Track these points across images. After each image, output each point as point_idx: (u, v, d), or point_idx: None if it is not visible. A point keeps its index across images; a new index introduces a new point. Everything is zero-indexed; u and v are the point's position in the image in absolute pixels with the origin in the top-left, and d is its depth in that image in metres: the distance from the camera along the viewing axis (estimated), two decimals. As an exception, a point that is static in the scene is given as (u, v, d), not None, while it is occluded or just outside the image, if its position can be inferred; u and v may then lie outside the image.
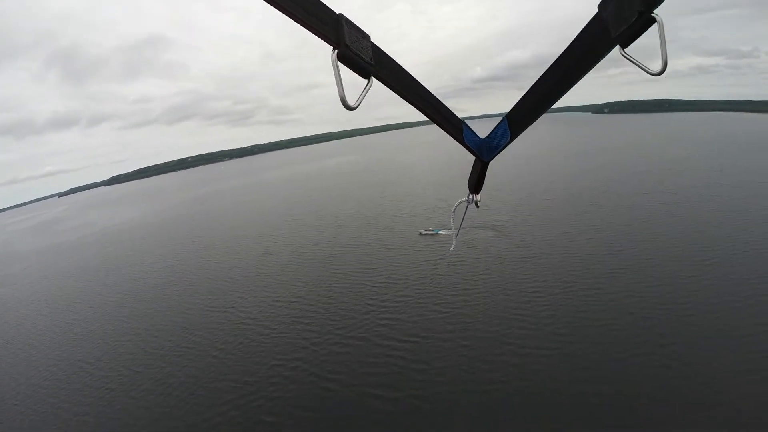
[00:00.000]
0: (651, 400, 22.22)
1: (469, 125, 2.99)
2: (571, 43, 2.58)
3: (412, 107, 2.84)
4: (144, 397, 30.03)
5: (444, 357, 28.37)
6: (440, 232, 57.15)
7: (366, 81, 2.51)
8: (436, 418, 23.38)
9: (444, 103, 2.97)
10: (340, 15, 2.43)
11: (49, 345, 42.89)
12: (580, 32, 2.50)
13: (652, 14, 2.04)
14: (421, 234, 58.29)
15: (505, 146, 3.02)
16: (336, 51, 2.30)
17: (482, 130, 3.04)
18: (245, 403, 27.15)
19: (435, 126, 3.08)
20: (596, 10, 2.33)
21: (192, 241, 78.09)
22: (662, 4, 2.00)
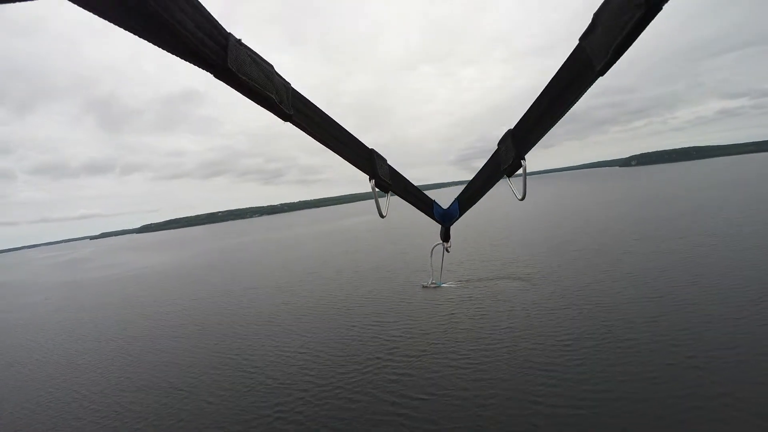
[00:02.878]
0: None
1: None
2: (483, 167, 3.66)
3: (406, 202, 4.05)
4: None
5: (460, 418, 24.65)
6: (443, 285, 54.88)
7: (387, 194, 3.55)
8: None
9: (424, 191, 4.24)
10: (372, 150, 3.25)
11: (53, 373, 41.68)
12: (488, 161, 3.54)
13: (521, 160, 2.86)
14: (423, 287, 56.23)
15: (458, 217, 4.35)
16: (373, 180, 3.11)
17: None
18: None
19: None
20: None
21: (210, 288, 77.13)
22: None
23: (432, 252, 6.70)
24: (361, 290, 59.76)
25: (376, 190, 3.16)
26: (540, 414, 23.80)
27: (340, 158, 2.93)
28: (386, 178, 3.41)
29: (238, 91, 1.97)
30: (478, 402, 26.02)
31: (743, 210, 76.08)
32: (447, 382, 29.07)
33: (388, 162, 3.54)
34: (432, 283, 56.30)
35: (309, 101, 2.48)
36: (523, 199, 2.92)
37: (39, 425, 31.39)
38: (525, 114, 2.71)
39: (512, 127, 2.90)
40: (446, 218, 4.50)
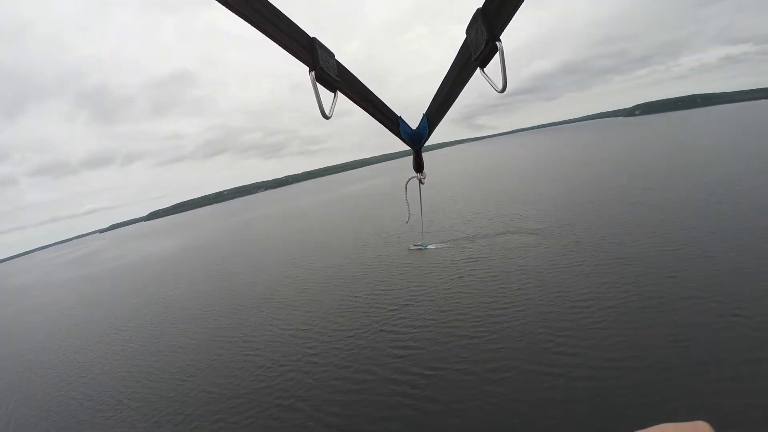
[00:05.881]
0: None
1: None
2: (451, 65, 3.17)
3: (363, 111, 3.56)
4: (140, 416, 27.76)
5: (468, 394, 23.21)
6: (428, 247, 53.78)
7: (333, 94, 3.04)
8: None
9: (385, 102, 3.67)
10: (314, 38, 2.85)
11: (71, 371, 41.33)
12: (456, 55, 3.06)
13: (496, 42, 2.48)
14: (410, 249, 55.45)
15: (428, 137, 3.91)
16: (313, 72, 2.75)
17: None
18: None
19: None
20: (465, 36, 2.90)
21: (216, 268, 77.18)
22: (506, 32, 2.49)
23: (406, 187, 5.71)
24: (364, 257, 58.93)
25: (318, 85, 2.77)
26: (557, 386, 22.02)
27: (278, 46, 2.64)
28: (332, 74, 2.96)
29: None
30: (488, 374, 24.40)
31: (757, 156, 71.58)
32: (451, 353, 27.53)
33: (338, 59, 3.10)
34: (416, 246, 55.41)
35: None
36: (503, 90, 2.55)
37: (60, 420, 32.00)
38: None
39: (481, 5, 2.54)
40: (416, 139, 3.97)
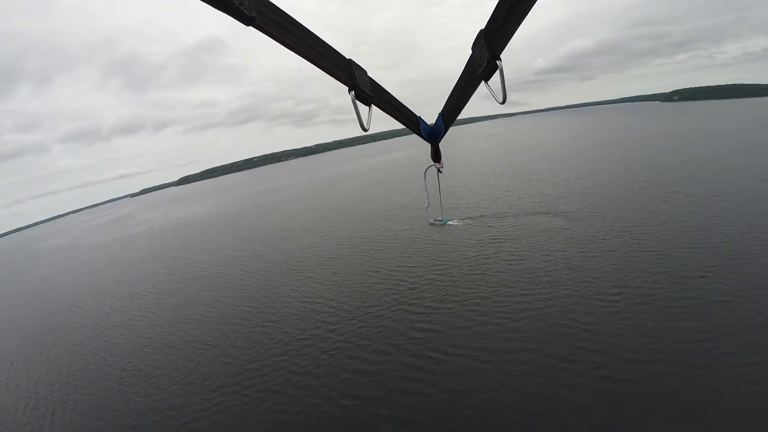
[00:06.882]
0: None
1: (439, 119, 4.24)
2: (460, 75, 3.43)
3: (390, 117, 3.83)
4: (158, 384, 28.81)
5: (481, 383, 22.47)
6: (449, 222, 53.74)
7: (368, 108, 3.39)
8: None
9: (408, 107, 4.02)
10: (350, 60, 3.15)
11: (96, 333, 43.14)
12: (464, 68, 3.29)
13: (497, 61, 2.70)
14: (430, 224, 55.72)
15: (444, 134, 4.27)
16: (353, 92, 3.06)
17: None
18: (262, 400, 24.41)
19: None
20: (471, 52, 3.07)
21: (242, 235, 78.40)
22: (505, 51, 2.69)
23: (425, 174, 6.13)
24: (388, 230, 58.60)
25: (357, 102, 3.10)
26: (577, 383, 20.90)
27: (318, 69, 2.89)
28: (367, 90, 3.28)
29: None
30: (505, 365, 23.49)
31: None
32: (469, 338, 26.83)
33: (369, 74, 3.38)
34: (437, 221, 55.27)
35: (276, 5, 2.43)
36: (503, 102, 2.84)
37: (82, 383, 33.20)
38: (495, 9, 2.55)
39: (484, 27, 2.74)
40: (433, 135, 4.34)
